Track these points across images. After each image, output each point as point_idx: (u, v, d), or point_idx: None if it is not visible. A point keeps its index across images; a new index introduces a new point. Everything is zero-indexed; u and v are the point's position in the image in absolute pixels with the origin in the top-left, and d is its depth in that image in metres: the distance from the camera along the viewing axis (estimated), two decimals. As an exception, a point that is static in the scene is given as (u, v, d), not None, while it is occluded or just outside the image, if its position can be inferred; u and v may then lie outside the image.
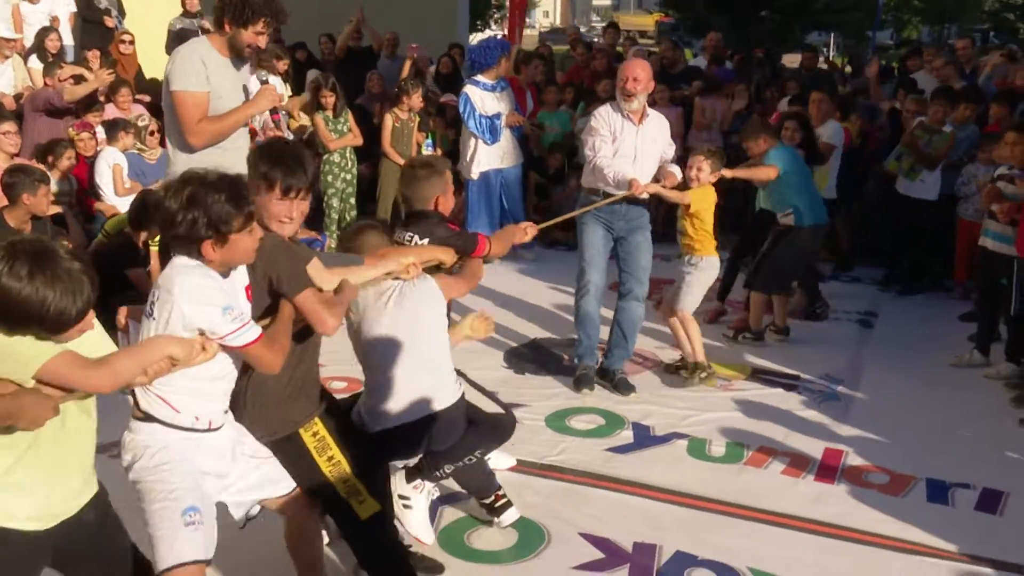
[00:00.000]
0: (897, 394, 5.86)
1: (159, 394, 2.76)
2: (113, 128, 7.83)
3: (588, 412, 5.44)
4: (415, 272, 3.61)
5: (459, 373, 3.89)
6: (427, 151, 9.09)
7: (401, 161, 8.87)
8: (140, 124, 8.05)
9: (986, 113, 8.30)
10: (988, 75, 10.08)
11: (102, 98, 8.77)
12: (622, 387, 5.74)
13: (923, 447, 5.09)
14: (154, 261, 5.93)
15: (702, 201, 5.78)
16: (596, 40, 17.70)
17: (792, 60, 14.88)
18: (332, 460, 3.22)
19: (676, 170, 5.71)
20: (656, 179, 5.65)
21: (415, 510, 3.88)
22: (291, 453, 3.18)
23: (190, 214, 2.66)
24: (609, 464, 4.82)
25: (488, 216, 8.49)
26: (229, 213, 2.70)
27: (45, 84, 8.67)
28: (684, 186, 5.78)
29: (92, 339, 2.51)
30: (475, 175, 8.45)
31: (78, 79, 8.57)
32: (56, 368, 2.36)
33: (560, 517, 4.26)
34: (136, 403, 2.79)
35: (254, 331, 2.80)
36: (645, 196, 5.56)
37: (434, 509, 4.25)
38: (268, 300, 3.02)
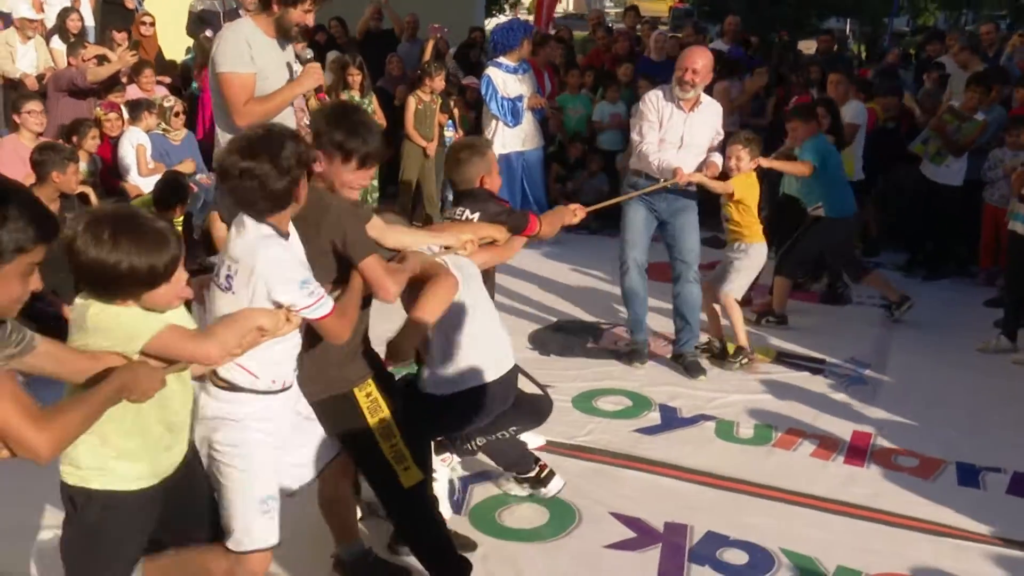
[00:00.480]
0: (924, 378, 5.83)
1: (238, 362, 2.79)
2: (137, 108, 7.83)
3: (615, 393, 5.43)
4: (472, 248, 3.64)
5: None
6: (449, 133, 9.07)
7: (423, 143, 8.87)
8: (166, 104, 8.04)
9: (1011, 96, 8.25)
10: (1009, 55, 10.00)
11: (124, 79, 8.77)
12: (692, 370, 5.76)
13: (952, 431, 5.07)
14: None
15: (746, 189, 5.82)
16: (612, 25, 17.63)
17: (809, 47, 14.80)
18: (383, 422, 3.22)
19: (718, 159, 5.71)
20: (699, 168, 5.64)
21: (438, 483, 3.89)
22: (343, 411, 3.19)
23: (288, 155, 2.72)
24: (638, 445, 4.82)
25: (509, 198, 8.47)
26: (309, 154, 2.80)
27: (68, 64, 8.69)
28: (724, 175, 5.78)
29: (176, 315, 2.54)
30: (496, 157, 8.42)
31: (101, 59, 8.57)
32: (165, 341, 2.42)
33: (590, 497, 4.26)
34: (215, 372, 2.82)
35: (328, 304, 2.84)
36: (690, 185, 5.59)
37: (464, 487, 4.28)
38: (331, 263, 3.03)
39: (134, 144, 7.68)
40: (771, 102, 9.88)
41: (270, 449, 2.90)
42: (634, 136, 5.75)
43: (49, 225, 2.08)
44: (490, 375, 3.57)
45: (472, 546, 3.80)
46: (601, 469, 4.53)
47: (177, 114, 8.13)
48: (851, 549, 3.91)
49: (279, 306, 2.74)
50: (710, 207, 6.22)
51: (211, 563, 2.85)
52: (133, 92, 8.71)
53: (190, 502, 2.76)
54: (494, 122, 8.41)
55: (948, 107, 7.84)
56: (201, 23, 11.09)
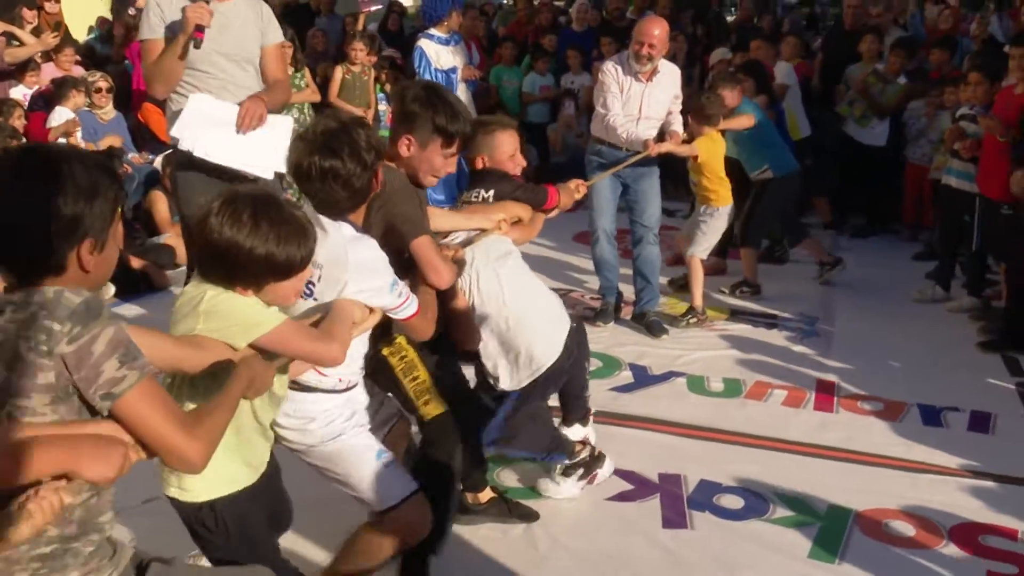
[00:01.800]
0: (871, 328, 6.08)
1: None
2: (63, 87, 7.53)
3: (584, 355, 5.51)
4: (506, 227, 3.63)
5: None
6: (382, 107, 8.96)
7: (357, 111, 8.70)
8: (89, 80, 7.75)
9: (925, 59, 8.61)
10: (913, 14, 10.40)
11: (39, 59, 8.41)
12: (655, 329, 5.88)
13: (908, 375, 5.32)
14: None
15: (710, 151, 5.96)
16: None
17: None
18: (416, 379, 3.26)
19: (679, 125, 5.79)
20: (660, 137, 5.73)
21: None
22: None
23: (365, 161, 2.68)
24: (617, 402, 4.90)
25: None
26: (363, 179, 2.72)
27: (-28, 43, 8.28)
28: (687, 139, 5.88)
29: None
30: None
31: (10, 38, 8.20)
32: (285, 335, 2.32)
33: (576, 494, 4.11)
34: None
35: (414, 303, 2.85)
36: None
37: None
38: (388, 243, 2.95)
39: (63, 120, 7.38)
40: (696, 72, 10.08)
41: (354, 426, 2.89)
42: (599, 108, 5.79)
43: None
44: (558, 341, 3.65)
45: (534, 515, 3.80)
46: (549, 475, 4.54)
47: (100, 90, 7.84)
48: (837, 489, 4.06)
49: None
50: (670, 172, 6.33)
51: (370, 534, 2.90)
52: (48, 71, 8.37)
53: (276, 495, 2.77)
54: (428, 94, 8.35)
55: (872, 70, 8.12)
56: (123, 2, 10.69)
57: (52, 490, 1.68)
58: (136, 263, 6.48)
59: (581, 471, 3.96)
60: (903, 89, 7.98)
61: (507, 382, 3.62)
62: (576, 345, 3.79)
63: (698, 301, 6.10)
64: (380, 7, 10.67)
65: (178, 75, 4.54)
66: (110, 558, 1.96)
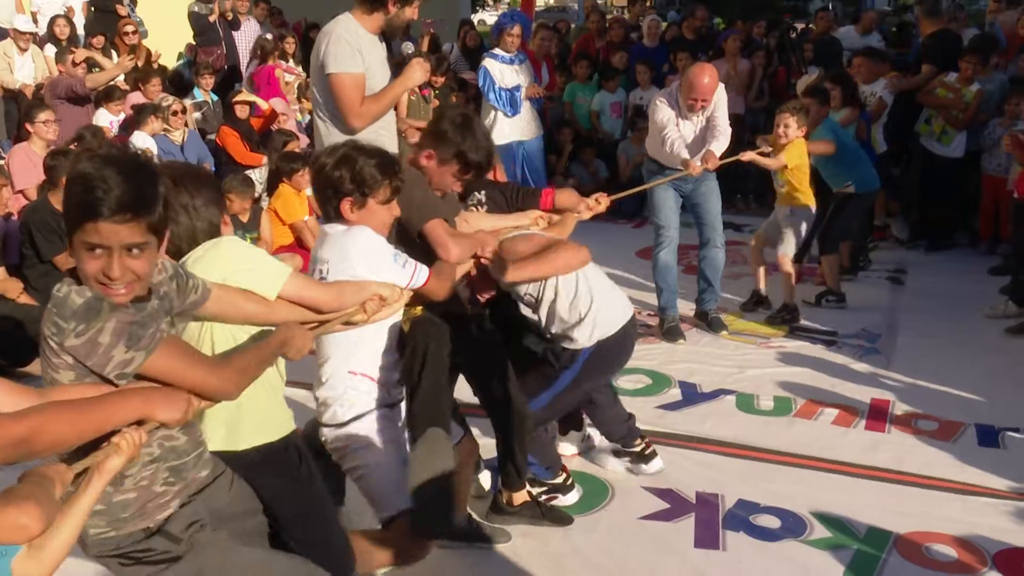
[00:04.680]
0: (935, 345, 5.91)
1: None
2: (142, 113, 7.87)
3: (634, 372, 5.48)
4: (543, 223, 3.91)
5: None
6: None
7: (417, 134, 8.89)
8: (163, 104, 8.07)
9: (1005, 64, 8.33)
10: (991, 22, 10.05)
11: (125, 85, 8.80)
12: (715, 325, 6.16)
13: (968, 394, 5.15)
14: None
15: (798, 157, 6.15)
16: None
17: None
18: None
19: (717, 147, 5.76)
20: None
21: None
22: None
23: (338, 171, 3.00)
24: (662, 420, 4.88)
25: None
26: (375, 178, 3.01)
27: (59, 71, 8.71)
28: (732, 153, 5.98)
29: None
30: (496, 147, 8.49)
31: (90, 63, 8.61)
32: (297, 287, 2.68)
33: (621, 472, 4.32)
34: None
35: (424, 271, 3.10)
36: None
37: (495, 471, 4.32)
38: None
39: (141, 148, 7.70)
40: (766, 85, 9.98)
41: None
42: (656, 130, 5.92)
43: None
44: (624, 317, 3.83)
45: (567, 520, 3.90)
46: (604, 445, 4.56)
47: (175, 113, 8.15)
48: (880, 511, 3.98)
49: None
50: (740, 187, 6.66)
51: (362, 541, 3.04)
52: (135, 99, 8.74)
53: None
54: (493, 112, 8.45)
55: (940, 82, 7.90)
56: (199, 24, 11.12)
57: (134, 430, 2.08)
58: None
59: (544, 489, 4.04)
60: (976, 95, 7.72)
61: (581, 340, 3.77)
62: (634, 341, 3.96)
63: (790, 299, 6.33)
64: (440, 20, 10.83)
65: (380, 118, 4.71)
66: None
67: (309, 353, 2.70)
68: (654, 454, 4.30)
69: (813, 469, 4.39)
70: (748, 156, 6.04)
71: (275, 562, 2.58)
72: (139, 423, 2.11)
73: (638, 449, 4.29)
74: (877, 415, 4.92)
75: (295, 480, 2.75)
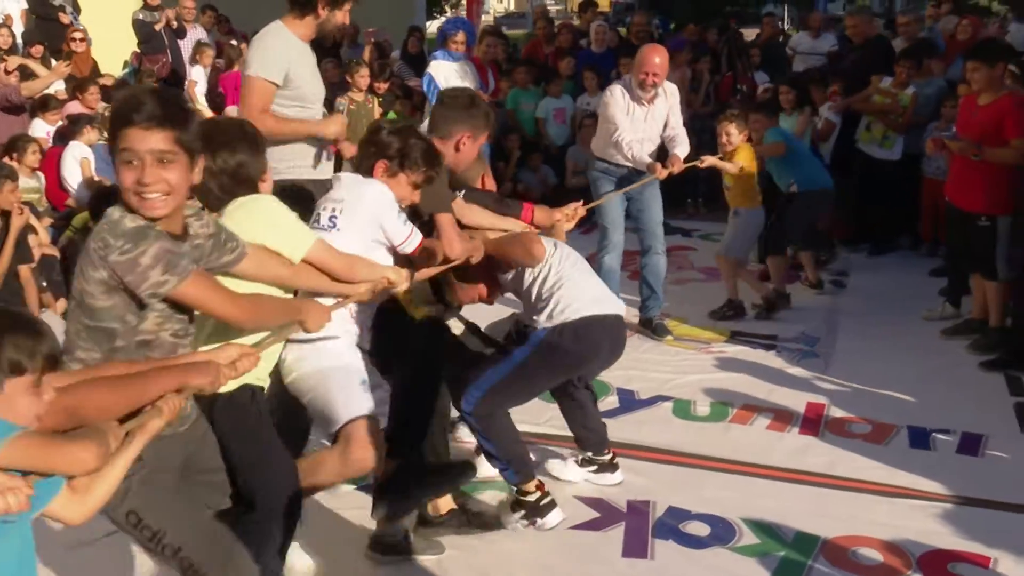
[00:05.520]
0: (873, 348, 5.96)
1: None
2: (78, 123, 7.74)
3: (572, 380, 5.48)
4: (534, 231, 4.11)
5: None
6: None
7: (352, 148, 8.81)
8: (106, 114, 7.95)
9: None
10: (929, 27, 10.19)
11: (62, 95, 8.67)
12: (660, 331, 6.20)
13: (902, 396, 5.19)
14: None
15: (747, 160, 6.38)
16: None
17: (749, 35, 15.00)
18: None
19: (681, 151, 5.95)
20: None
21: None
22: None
23: (391, 137, 3.34)
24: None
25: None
26: (416, 160, 3.33)
27: (-4, 80, 8.56)
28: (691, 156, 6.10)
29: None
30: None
31: (24, 72, 8.47)
32: (320, 253, 2.96)
33: (552, 482, 4.28)
34: None
35: (417, 235, 3.35)
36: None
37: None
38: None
39: (77, 158, 7.59)
40: (713, 90, 10.04)
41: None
42: (608, 126, 5.98)
43: None
44: (599, 309, 3.82)
45: (496, 524, 3.89)
46: (561, 454, 4.56)
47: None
48: (809, 515, 3.99)
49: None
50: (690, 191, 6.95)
51: (322, 456, 3.21)
52: (74, 108, 8.61)
53: None
54: (438, 119, 8.40)
55: (876, 88, 7.98)
56: (144, 33, 11.00)
57: (174, 396, 2.31)
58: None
59: (523, 512, 3.88)
60: (912, 97, 7.80)
61: (540, 321, 3.82)
62: (614, 339, 3.94)
63: (762, 290, 6.62)
64: (383, 28, 10.80)
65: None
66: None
67: None
68: (618, 465, 4.27)
69: (746, 475, 4.39)
70: (709, 161, 6.23)
71: (200, 520, 2.73)
72: (177, 392, 2.34)
73: (607, 458, 4.25)
74: (811, 419, 4.94)
75: (247, 425, 2.89)
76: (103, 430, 2.13)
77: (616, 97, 5.94)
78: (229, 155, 2.90)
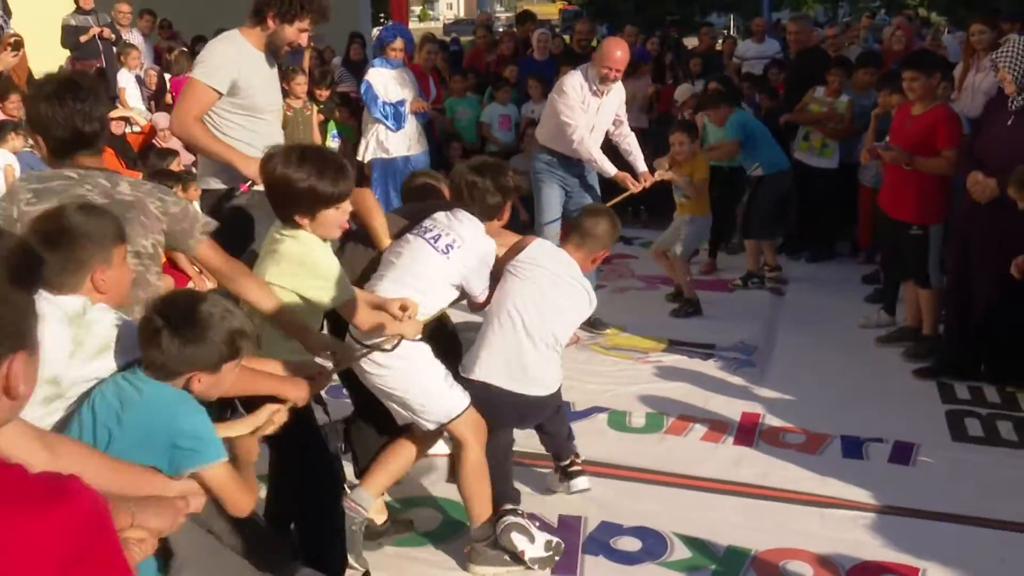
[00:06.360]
0: (809, 356, 5.97)
1: None
2: (1, 130, 7.51)
3: (508, 392, 5.41)
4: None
5: None
6: (333, 143, 8.92)
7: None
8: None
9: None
10: (864, 39, 10.33)
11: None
12: (597, 325, 6.24)
13: (836, 405, 5.18)
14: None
15: (698, 167, 6.66)
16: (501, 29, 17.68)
17: (692, 43, 15.13)
18: None
19: (642, 166, 6.35)
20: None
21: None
22: None
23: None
24: (530, 441, 4.74)
25: (387, 203, 8.36)
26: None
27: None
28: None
29: None
30: (377, 159, 8.30)
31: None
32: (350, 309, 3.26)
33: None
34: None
35: (487, 293, 3.78)
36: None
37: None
38: None
39: (1, 165, 7.35)
40: (654, 97, 10.07)
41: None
42: (563, 118, 6.07)
43: None
44: (494, 380, 3.73)
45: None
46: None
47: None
48: (741, 528, 3.96)
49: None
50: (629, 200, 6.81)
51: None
52: (-3, 116, 8.35)
53: None
54: (376, 126, 8.28)
55: (812, 98, 8.04)
56: (76, 37, 10.76)
57: (283, 409, 2.66)
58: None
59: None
60: (847, 105, 7.87)
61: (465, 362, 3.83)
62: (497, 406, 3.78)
63: (688, 293, 6.82)
64: (318, 36, 10.66)
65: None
66: None
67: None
68: (580, 472, 4.24)
69: (679, 487, 4.36)
70: (669, 176, 6.50)
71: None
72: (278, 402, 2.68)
73: (578, 467, 4.24)
74: (746, 429, 4.92)
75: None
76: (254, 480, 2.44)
77: (575, 87, 6.07)
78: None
